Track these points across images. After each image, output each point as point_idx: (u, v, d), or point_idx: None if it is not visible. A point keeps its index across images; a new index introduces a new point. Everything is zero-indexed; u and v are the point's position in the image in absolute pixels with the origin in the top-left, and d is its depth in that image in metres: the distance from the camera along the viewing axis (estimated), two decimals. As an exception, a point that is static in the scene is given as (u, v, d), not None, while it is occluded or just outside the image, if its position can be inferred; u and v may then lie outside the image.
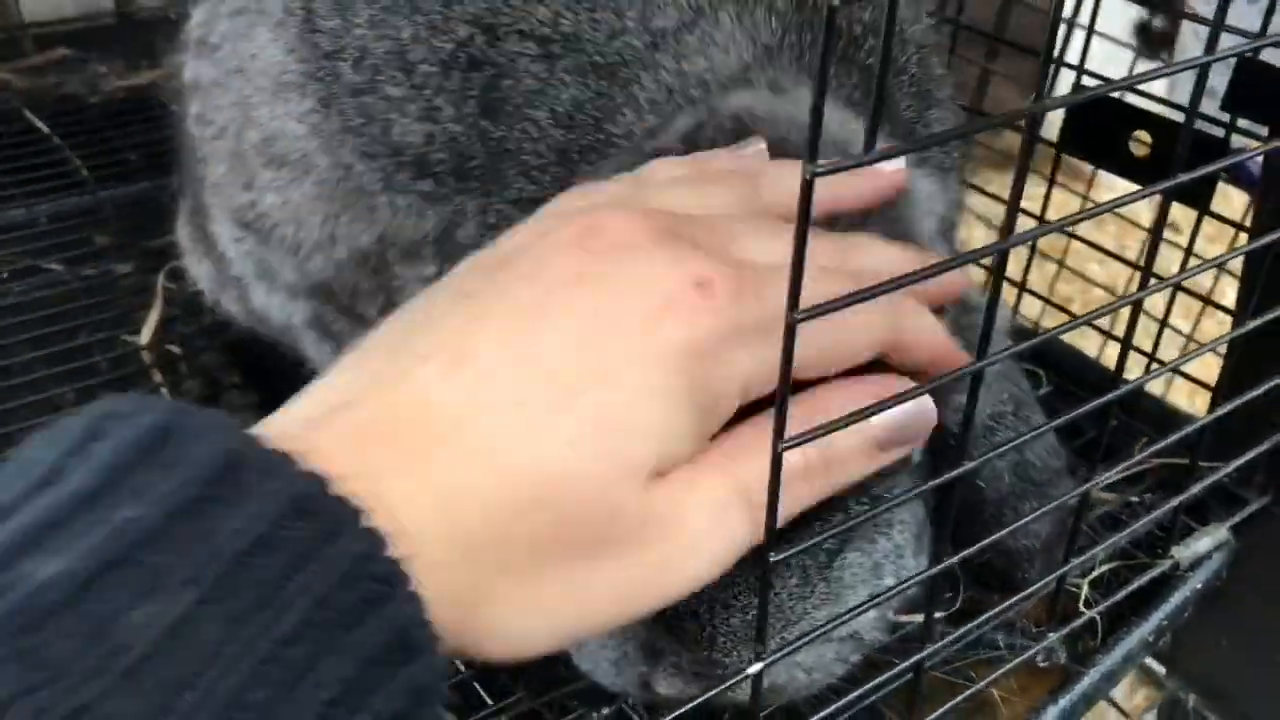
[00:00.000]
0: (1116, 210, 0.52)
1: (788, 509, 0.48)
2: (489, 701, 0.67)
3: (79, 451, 0.38)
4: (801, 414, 0.45)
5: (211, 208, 0.85)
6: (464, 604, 0.42)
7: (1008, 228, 0.50)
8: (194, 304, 0.99)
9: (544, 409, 0.43)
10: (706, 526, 0.46)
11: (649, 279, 0.45)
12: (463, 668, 0.68)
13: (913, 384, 0.51)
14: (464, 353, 0.44)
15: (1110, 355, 1.19)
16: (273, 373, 0.95)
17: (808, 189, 0.41)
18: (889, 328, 0.51)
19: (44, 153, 1.22)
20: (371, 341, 0.48)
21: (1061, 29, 1.03)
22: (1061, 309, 1.01)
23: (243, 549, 0.35)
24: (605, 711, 0.67)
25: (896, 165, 0.57)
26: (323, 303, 0.82)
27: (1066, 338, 1.01)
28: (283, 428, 0.42)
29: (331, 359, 0.49)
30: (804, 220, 0.42)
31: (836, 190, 0.55)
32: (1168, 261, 0.85)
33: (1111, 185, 1.45)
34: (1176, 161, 0.55)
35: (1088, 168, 1.03)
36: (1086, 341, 1.11)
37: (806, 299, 0.41)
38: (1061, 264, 1.31)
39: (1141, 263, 0.60)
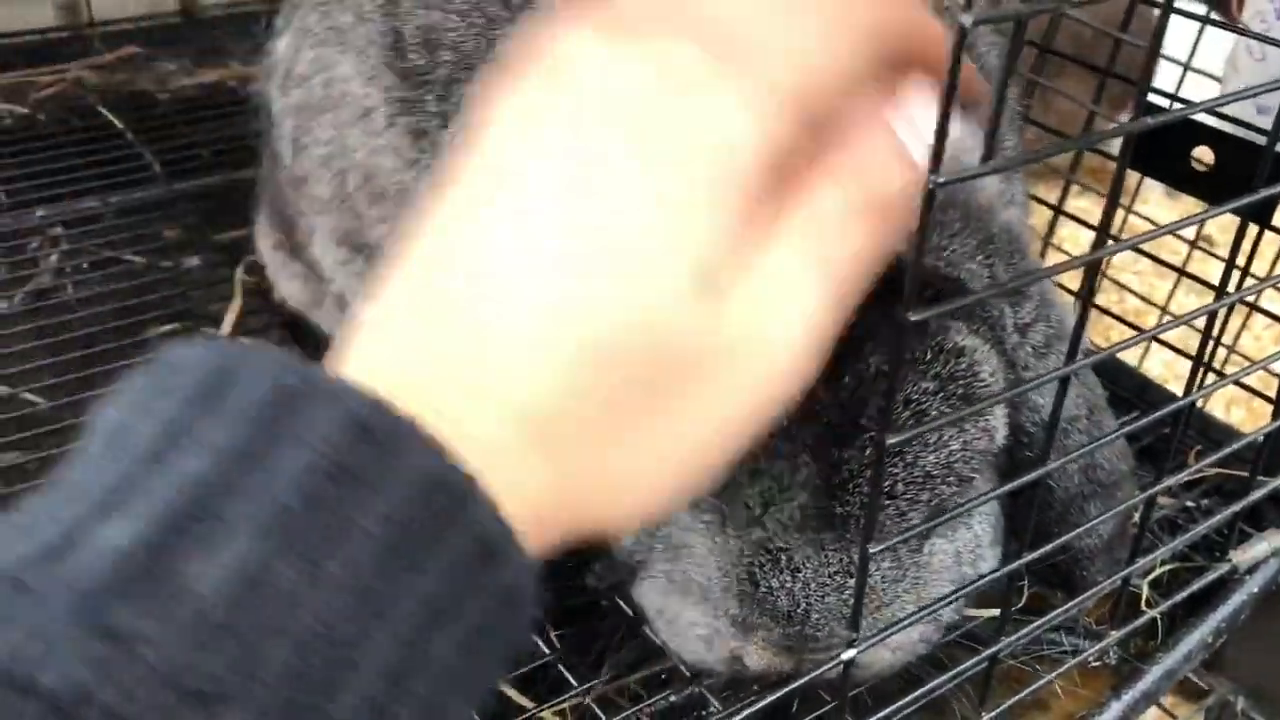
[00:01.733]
0: (1150, 219, 0.55)
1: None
2: (574, 683, 0.69)
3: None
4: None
5: (314, 232, 0.86)
6: (553, 489, 0.39)
7: (1100, 242, 0.53)
8: (270, 296, 1.02)
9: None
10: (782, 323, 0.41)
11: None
12: (547, 651, 0.71)
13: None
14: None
15: (1148, 366, 1.21)
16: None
17: (930, 198, 0.44)
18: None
19: (118, 147, 1.25)
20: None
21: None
22: (1116, 317, 1.03)
23: (306, 485, 0.33)
24: (675, 699, 0.69)
25: None
26: None
27: (1109, 346, 1.02)
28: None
29: None
30: (922, 235, 0.45)
31: None
32: (1205, 272, 0.86)
33: (1143, 196, 1.46)
34: (1258, 182, 0.57)
35: (1134, 178, 1.05)
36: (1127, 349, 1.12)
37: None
38: (1104, 274, 1.33)
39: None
